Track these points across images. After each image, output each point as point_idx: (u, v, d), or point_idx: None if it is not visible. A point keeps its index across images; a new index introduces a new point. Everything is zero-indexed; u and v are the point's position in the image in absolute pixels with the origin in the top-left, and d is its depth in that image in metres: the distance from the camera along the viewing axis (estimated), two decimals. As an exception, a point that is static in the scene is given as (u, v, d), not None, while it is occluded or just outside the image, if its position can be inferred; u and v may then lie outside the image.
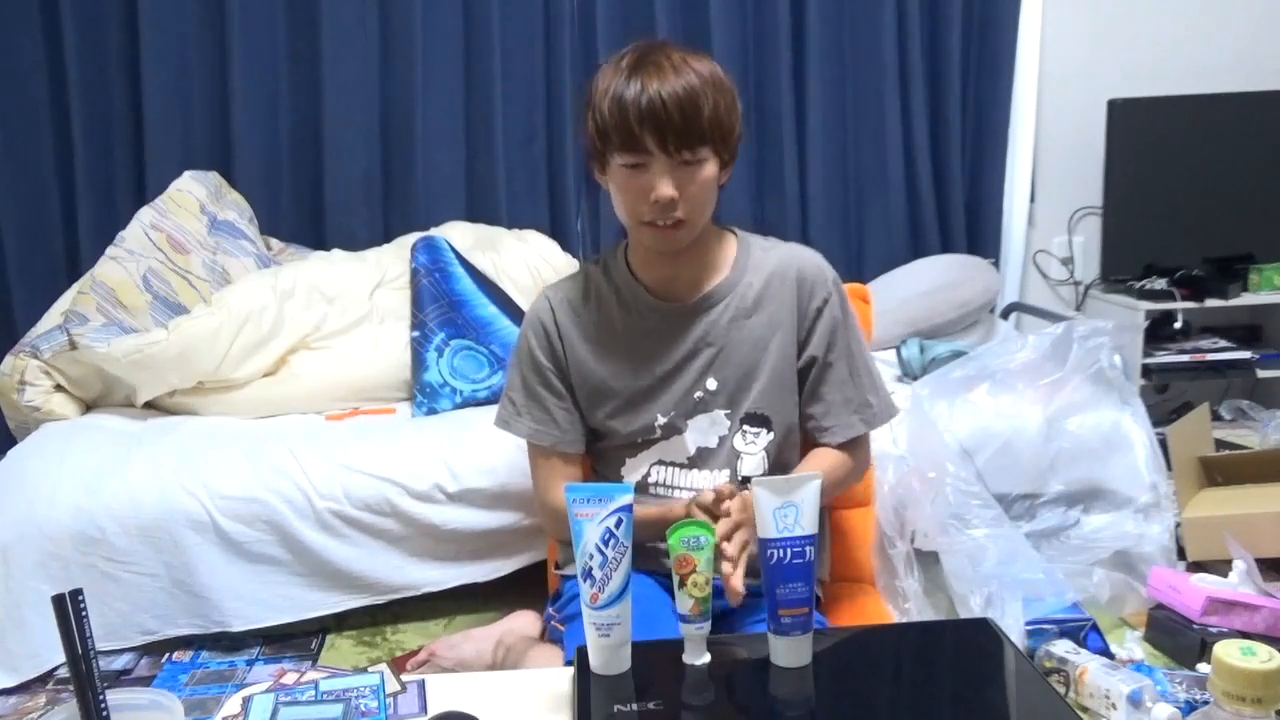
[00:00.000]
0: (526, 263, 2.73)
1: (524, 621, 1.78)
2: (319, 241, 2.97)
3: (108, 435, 2.20)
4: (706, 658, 0.97)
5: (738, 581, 1.10)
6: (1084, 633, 1.83)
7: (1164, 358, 3.03)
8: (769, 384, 1.33)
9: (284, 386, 2.42)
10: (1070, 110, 3.24)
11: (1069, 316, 2.82)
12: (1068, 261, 3.35)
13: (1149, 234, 3.15)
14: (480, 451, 2.10)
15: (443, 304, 2.46)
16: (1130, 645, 1.90)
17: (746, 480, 1.33)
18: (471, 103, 2.98)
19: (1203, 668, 1.80)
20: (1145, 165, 3.12)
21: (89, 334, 2.22)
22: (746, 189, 3.10)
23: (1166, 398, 3.15)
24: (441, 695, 0.97)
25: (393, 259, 2.71)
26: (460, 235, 2.77)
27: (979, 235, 3.25)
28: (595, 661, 0.95)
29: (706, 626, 0.97)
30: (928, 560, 1.96)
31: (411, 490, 2.07)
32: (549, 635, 1.50)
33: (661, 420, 1.34)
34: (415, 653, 1.96)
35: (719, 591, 1.03)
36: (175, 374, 2.29)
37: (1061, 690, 1.70)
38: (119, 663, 2.02)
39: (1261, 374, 3.10)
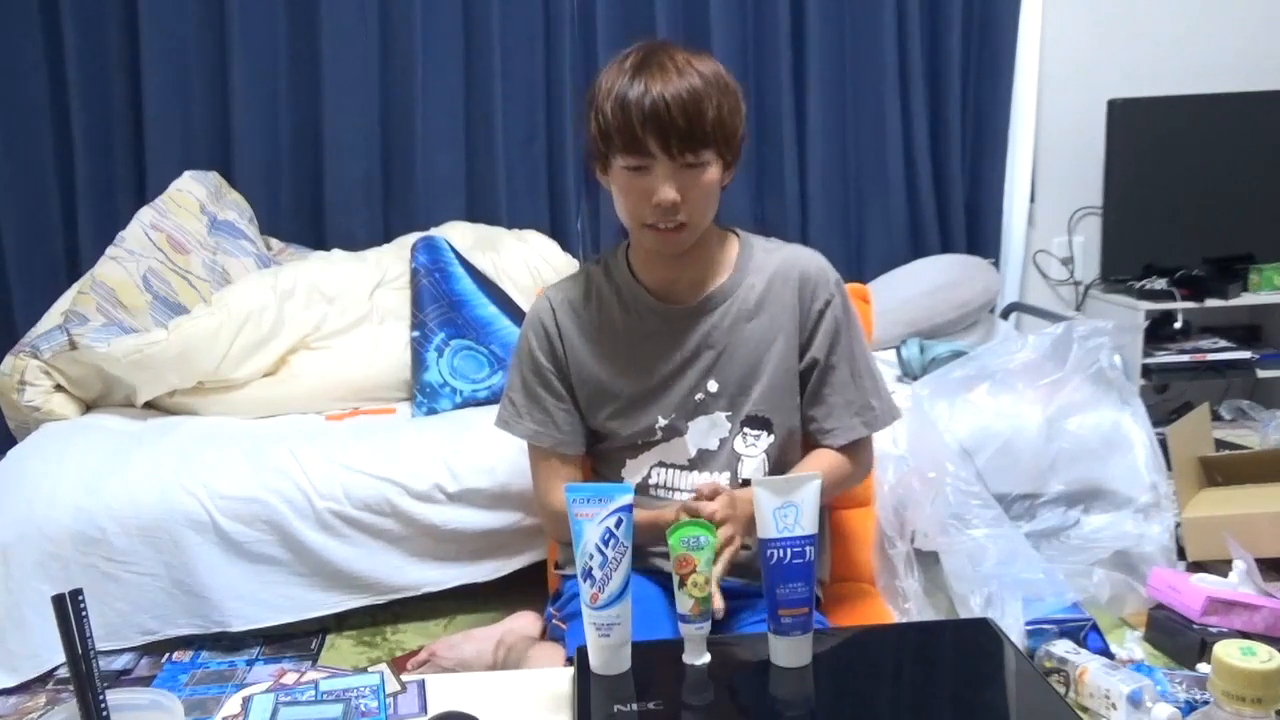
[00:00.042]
0: (526, 263, 2.73)
1: (525, 621, 1.77)
2: (319, 241, 2.97)
3: (108, 435, 2.20)
4: (706, 658, 0.97)
5: (716, 599, 1.06)
6: (1084, 633, 1.83)
7: (1164, 358, 3.03)
8: (770, 386, 1.33)
9: (284, 386, 2.42)
10: (1070, 110, 3.24)
11: (1069, 316, 2.82)
12: (1068, 261, 3.35)
13: (1149, 234, 3.15)
14: (480, 451, 2.10)
15: (443, 304, 2.46)
16: (1130, 645, 1.90)
17: (747, 483, 1.33)
18: (471, 103, 2.98)
19: (1203, 668, 1.80)
20: (1145, 165, 3.12)
21: (89, 334, 2.22)
22: (746, 189, 3.10)
23: (1166, 398, 3.15)
24: (441, 695, 0.97)
25: (393, 259, 2.71)
26: (460, 235, 2.77)
27: (979, 235, 3.25)
28: (595, 661, 0.95)
29: (706, 626, 0.97)
30: (928, 560, 1.96)
31: (411, 490, 2.07)
32: (550, 634, 1.50)
33: (662, 422, 1.34)
34: (415, 653, 1.96)
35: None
36: (175, 374, 2.29)
37: (1061, 690, 1.70)
38: (119, 663, 2.02)
39: (1261, 374, 3.10)
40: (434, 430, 2.22)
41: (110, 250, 2.43)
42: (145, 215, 2.53)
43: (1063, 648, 1.77)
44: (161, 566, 2.00)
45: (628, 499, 0.95)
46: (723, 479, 1.33)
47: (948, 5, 3.08)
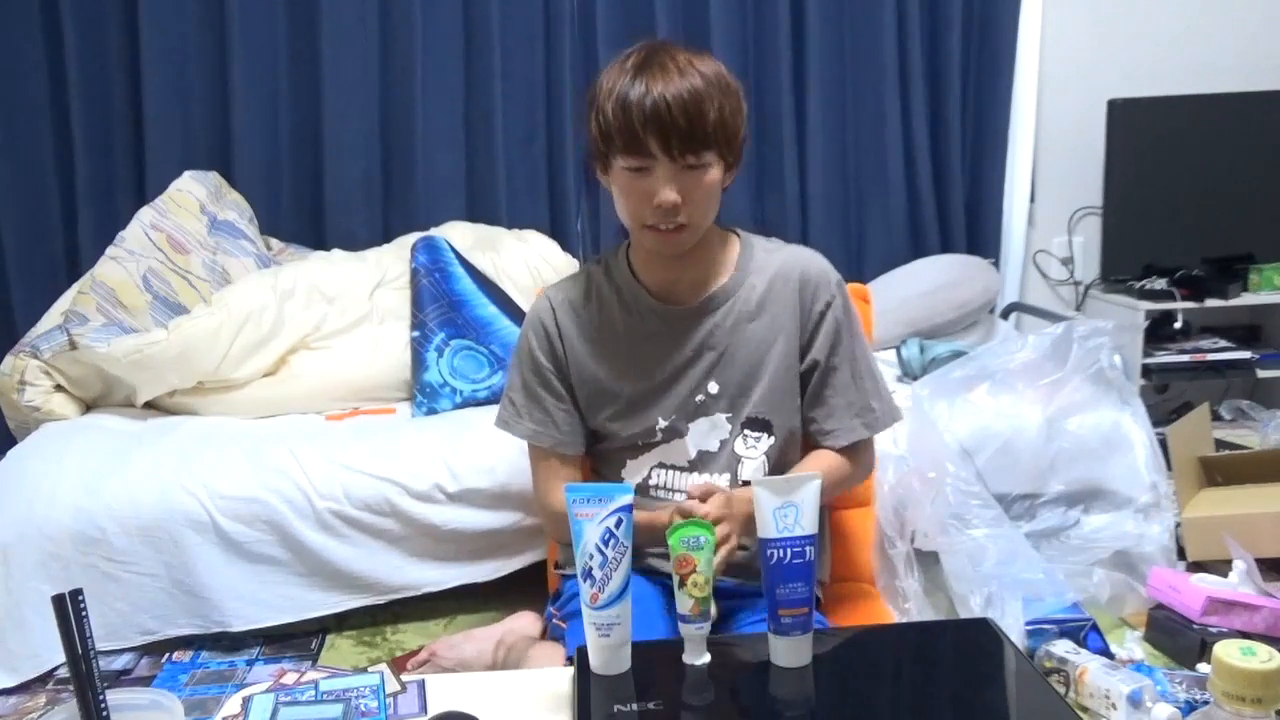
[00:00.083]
0: (526, 263, 2.73)
1: (525, 621, 1.77)
2: (319, 241, 2.97)
3: (108, 435, 2.20)
4: (706, 658, 0.97)
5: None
6: (1084, 633, 1.83)
7: (1164, 358, 3.03)
8: (770, 388, 1.32)
9: (284, 386, 2.42)
10: (1070, 110, 3.24)
11: (1069, 316, 2.82)
12: (1068, 261, 3.35)
13: (1149, 234, 3.15)
14: (480, 451, 2.10)
15: (443, 304, 2.46)
16: (1130, 645, 1.90)
17: (746, 484, 1.32)
18: (471, 103, 2.98)
19: (1203, 668, 1.80)
20: (1145, 165, 3.12)
21: (89, 334, 2.22)
22: (746, 189, 3.10)
23: (1166, 398, 3.15)
24: (441, 695, 0.97)
25: (393, 259, 2.71)
26: (460, 235, 2.77)
27: (979, 235, 3.25)
28: (595, 661, 0.95)
29: (706, 626, 0.97)
30: (928, 560, 1.96)
31: (411, 490, 2.07)
32: (550, 633, 1.50)
33: (663, 423, 1.33)
34: (415, 653, 1.96)
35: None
36: (175, 374, 2.29)
37: (1061, 690, 1.70)
38: (119, 663, 2.02)
39: (1261, 374, 3.10)
40: (434, 430, 2.22)
41: (110, 250, 2.43)
42: (145, 215, 2.53)
43: (1063, 648, 1.77)
44: (161, 566, 2.00)
45: (628, 499, 0.95)
46: (723, 480, 1.32)
47: (948, 5, 3.08)
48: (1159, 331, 3.07)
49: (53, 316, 2.43)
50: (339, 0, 2.85)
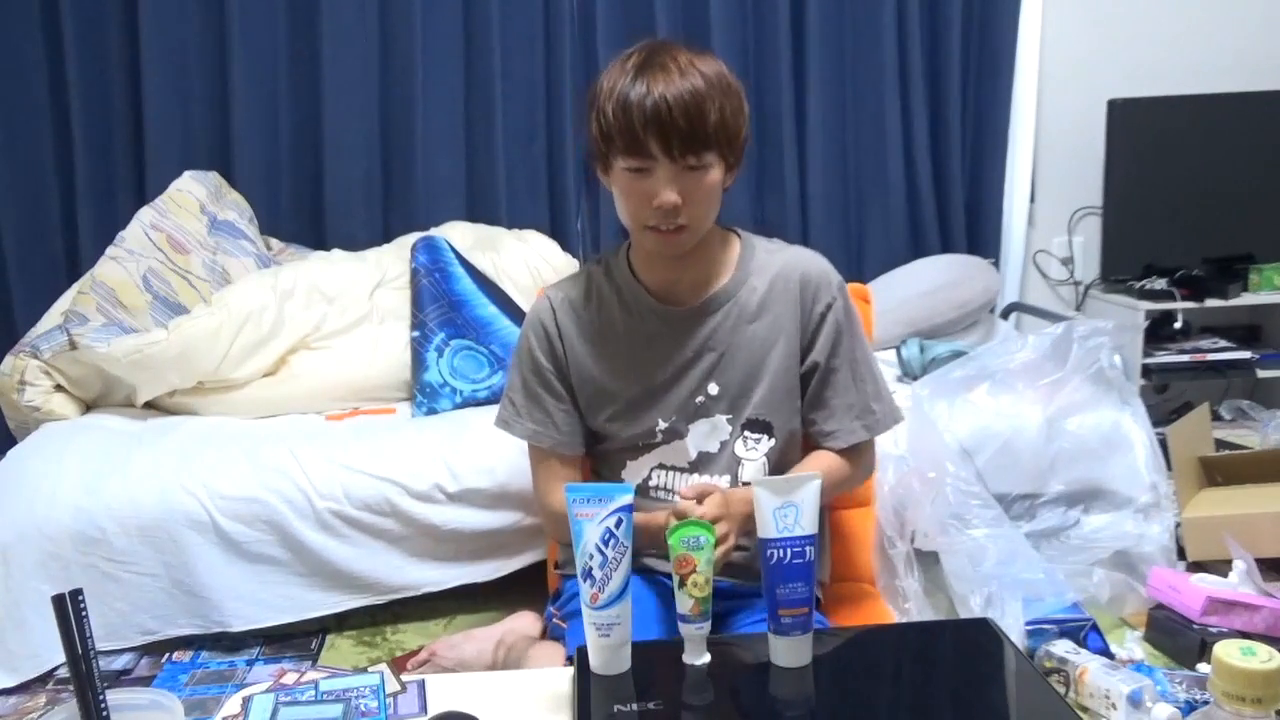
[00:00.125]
0: (526, 263, 2.73)
1: (525, 621, 1.77)
2: (319, 241, 2.97)
3: (108, 435, 2.20)
4: (706, 658, 0.97)
5: None
6: (1084, 633, 1.83)
7: (1164, 358, 3.03)
8: (771, 390, 1.32)
9: (284, 386, 2.42)
10: (1070, 110, 3.24)
11: (1069, 316, 2.82)
12: (1068, 261, 3.35)
13: (1149, 234, 3.15)
14: (480, 451, 2.10)
15: (443, 304, 2.46)
16: (1130, 645, 1.90)
17: (745, 485, 1.32)
18: (471, 103, 2.98)
19: (1203, 668, 1.80)
20: (1145, 165, 3.11)
21: (89, 334, 2.22)
22: (746, 189, 3.10)
23: (1166, 398, 3.15)
24: (441, 695, 0.97)
25: (393, 259, 2.71)
26: (460, 235, 2.77)
27: (979, 235, 3.25)
28: (595, 661, 0.95)
29: (706, 626, 0.97)
30: (928, 560, 1.96)
31: (411, 490, 2.07)
32: (550, 633, 1.50)
33: (663, 425, 1.33)
34: (415, 653, 1.96)
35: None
36: (175, 374, 2.29)
37: (1061, 690, 1.70)
38: (119, 663, 2.02)
39: (1261, 374, 3.10)
40: (434, 430, 2.22)
41: (110, 250, 2.43)
42: (145, 215, 2.53)
43: (1063, 648, 1.77)
44: (161, 566, 2.00)
45: (628, 499, 0.95)
46: (723, 482, 1.32)
47: (948, 5, 3.09)
48: (1159, 331, 3.08)
49: (53, 316, 2.43)
50: (339, 0, 2.85)
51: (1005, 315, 3.21)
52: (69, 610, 0.76)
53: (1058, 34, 3.21)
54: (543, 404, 1.35)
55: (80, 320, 2.26)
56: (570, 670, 0.99)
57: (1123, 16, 3.25)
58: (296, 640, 2.11)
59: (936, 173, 3.19)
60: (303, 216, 2.99)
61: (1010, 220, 3.27)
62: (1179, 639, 1.89)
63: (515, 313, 2.49)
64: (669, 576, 1.00)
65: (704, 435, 1.33)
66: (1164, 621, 1.94)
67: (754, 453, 1.33)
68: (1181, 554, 2.17)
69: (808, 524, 0.96)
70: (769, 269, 1.33)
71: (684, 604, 0.96)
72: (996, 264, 3.21)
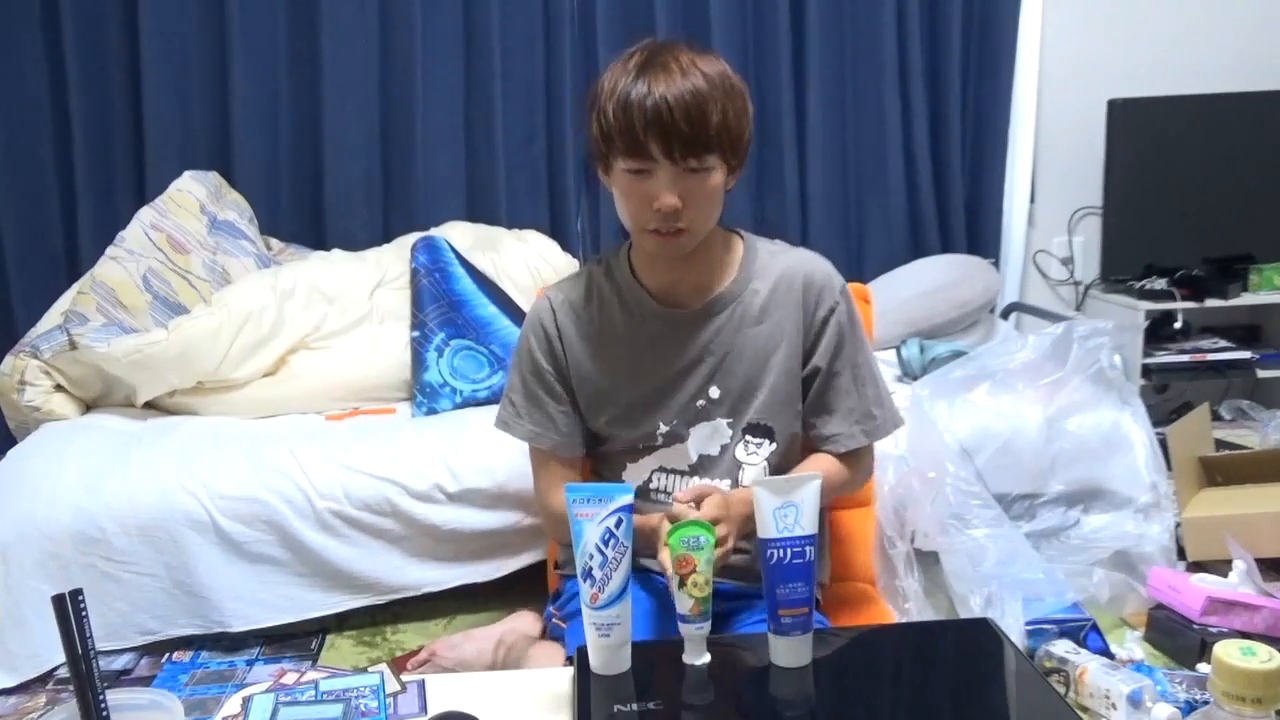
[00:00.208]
0: (526, 263, 2.73)
1: (525, 621, 1.77)
2: (319, 241, 2.97)
3: (108, 435, 2.20)
4: (706, 658, 0.97)
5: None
6: (1084, 633, 1.83)
7: (1164, 358, 3.03)
8: (772, 395, 1.31)
9: (284, 386, 2.43)
10: (1070, 110, 3.24)
11: (1069, 316, 2.83)
12: (1068, 261, 3.35)
13: (1149, 234, 3.15)
14: (480, 451, 2.10)
15: (443, 304, 2.46)
16: (1130, 645, 1.90)
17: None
18: (471, 103, 2.98)
19: (1203, 668, 1.80)
20: (1145, 165, 3.11)
21: (89, 334, 2.22)
22: (746, 189, 3.10)
23: (1166, 398, 3.15)
24: (441, 695, 0.97)
25: (393, 259, 2.71)
26: (460, 235, 2.77)
27: (979, 235, 3.25)
28: (595, 661, 0.95)
29: (706, 626, 0.97)
30: (928, 560, 1.96)
31: (411, 490, 2.07)
32: (550, 633, 1.50)
33: (663, 428, 1.32)
34: (415, 653, 1.96)
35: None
36: (175, 374, 2.29)
37: (1061, 690, 1.70)
38: (119, 663, 2.02)
39: (1261, 374, 3.10)
40: (434, 430, 2.22)
41: (110, 250, 2.43)
42: (145, 215, 2.53)
43: (1063, 648, 1.77)
44: (161, 566, 2.00)
45: (628, 499, 0.95)
46: (723, 485, 1.31)
47: (948, 4, 3.09)
48: (1159, 331, 3.08)
49: (53, 316, 2.43)
50: (339, 0, 2.85)
51: (1005, 315, 3.21)
52: (69, 610, 0.76)
53: (1058, 34, 3.21)
54: (543, 405, 1.35)
55: (80, 320, 2.26)
56: (570, 670, 0.99)
57: (1123, 16, 3.25)
58: (296, 640, 2.11)
59: (936, 173, 3.19)
60: (303, 216, 2.99)
61: (1010, 220, 3.27)
62: (1179, 639, 1.89)
63: (515, 313, 2.49)
64: (661, 575, 0.99)
65: (705, 438, 1.33)
66: (1164, 621, 1.94)
67: (755, 457, 1.33)
68: (1181, 554, 2.17)
69: (808, 524, 0.96)
70: (772, 272, 1.32)
71: (684, 604, 0.96)
72: (996, 264, 3.21)
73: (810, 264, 1.33)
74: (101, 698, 0.77)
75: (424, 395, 2.38)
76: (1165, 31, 3.26)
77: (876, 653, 1.06)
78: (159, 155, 2.84)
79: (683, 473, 1.34)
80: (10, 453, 2.19)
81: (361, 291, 2.60)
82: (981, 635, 1.02)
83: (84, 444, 2.15)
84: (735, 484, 1.32)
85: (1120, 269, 3.17)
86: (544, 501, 1.39)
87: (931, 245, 3.19)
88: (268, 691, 0.91)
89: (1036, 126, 3.24)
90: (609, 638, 0.94)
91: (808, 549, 0.95)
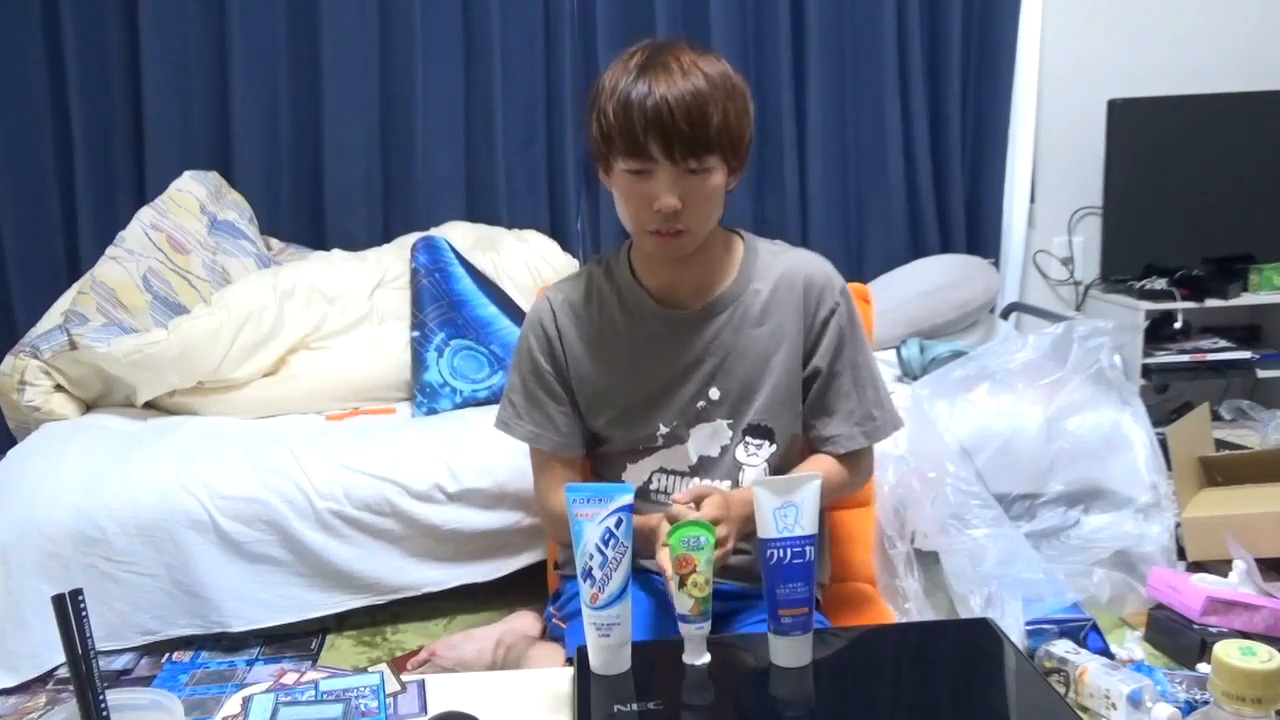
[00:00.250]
0: (526, 263, 2.73)
1: (525, 621, 1.78)
2: (319, 241, 2.97)
3: (108, 435, 2.20)
4: (706, 658, 0.97)
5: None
6: (1084, 633, 1.83)
7: (1164, 358, 3.03)
8: (772, 396, 1.31)
9: (284, 386, 2.43)
10: (1070, 110, 3.24)
11: (1069, 316, 2.82)
12: (1068, 261, 3.35)
13: (1149, 234, 3.15)
14: (480, 451, 2.10)
15: (443, 304, 2.46)
16: (1130, 645, 1.90)
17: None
18: (471, 103, 2.98)
19: (1203, 668, 1.80)
20: (1145, 165, 3.11)
21: (89, 334, 2.22)
22: (746, 189, 3.10)
23: (1166, 398, 3.15)
24: (441, 695, 0.97)
25: (393, 259, 2.71)
26: (460, 235, 2.77)
27: (979, 235, 3.25)
28: (595, 661, 0.95)
29: (706, 626, 0.97)
30: (928, 560, 1.96)
31: (411, 490, 2.07)
32: (550, 633, 1.50)
33: (663, 429, 1.32)
34: (415, 653, 1.96)
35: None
36: (175, 374, 2.29)
37: (1061, 690, 1.70)
38: (119, 663, 2.02)
39: (1261, 374, 3.10)
40: (434, 430, 2.22)
41: (110, 250, 2.43)
42: (145, 215, 2.53)
43: (1063, 648, 1.77)
44: (161, 567, 2.00)
45: (628, 499, 0.95)
46: (724, 487, 1.31)
47: (948, 5, 3.09)
48: (1159, 331, 3.08)
49: (53, 316, 2.43)
50: (339, 0, 2.85)
51: (1005, 315, 3.21)
52: (69, 610, 0.76)
53: (1058, 34, 3.21)
54: (543, 406, 1.35)
55: (80, 320, 2.26)
56: (570, 670, 0.99)
57: (1123, 16, 3.25)
58: (296, 640, 2.11)
59: (936, 173, 3.19)
60: (303, 216, 2.99)
61: (1010, 220, 3.27)
62: (1179, 639, 1.89)
63: (515, 313, 2.49)
64: (659, 575, 0.99)
65: (705, 440, 1.32)
66: (1164, 621, 1.94)
67: (755, 458, 1.33)
68: (1181, 554, 2.17)
69: (808, 524, 0.96)
70: (772, 272, 1.32)
71: (684, 604, 0.96)
72: (996, 264, 3.21)
73: (811, 265, 1.33)
74: (101, 698, 0.77)
75: (424, 395, 2.38)
76: (1165, 31, 3.26)
77: (876, 653, 1.06)
78: (159, 155, 2.84)
79: (683, 474, 1.34)
80: (10, 453, 2.19)
81: (361, 291, 2.60)
82: (981, 635, 1.02)
83: (84, 444, 2.15)
84: (735, 485, 1.32)
85: (1120, 269, 3.17)
86: (544, 502, 1.39)
87: (931, 245, 3.19)
88: (268, 691, 0.91)
89: (1036, 126, 3.24)
90: (609, 638, 0.94)
91: (808, 549, 0.95)
